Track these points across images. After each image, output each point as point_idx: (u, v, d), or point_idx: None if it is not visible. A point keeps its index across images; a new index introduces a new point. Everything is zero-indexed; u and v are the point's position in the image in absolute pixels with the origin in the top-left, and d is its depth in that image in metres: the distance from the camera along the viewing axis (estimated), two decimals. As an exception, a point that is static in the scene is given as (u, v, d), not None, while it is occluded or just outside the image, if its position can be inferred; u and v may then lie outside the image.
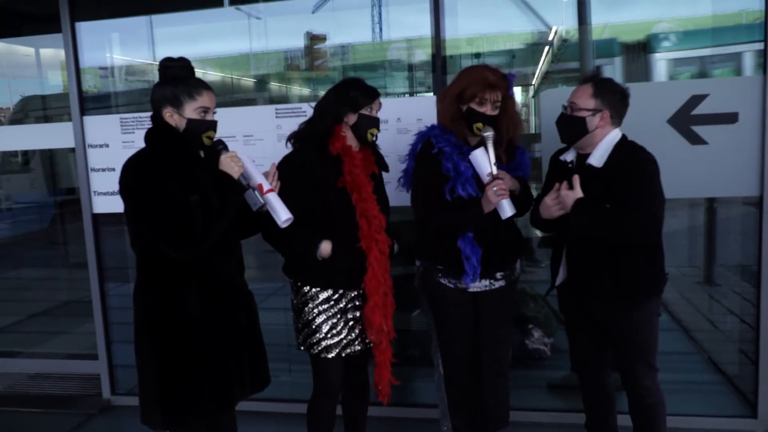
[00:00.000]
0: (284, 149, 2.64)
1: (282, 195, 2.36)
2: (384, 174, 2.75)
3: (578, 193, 2.36)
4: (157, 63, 2.29)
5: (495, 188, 2.42)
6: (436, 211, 2.59)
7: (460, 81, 2.54)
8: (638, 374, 2.54)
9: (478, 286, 2.67)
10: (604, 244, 2.40)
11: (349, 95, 2.50)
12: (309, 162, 2.51)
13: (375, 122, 2.56)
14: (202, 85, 2.25)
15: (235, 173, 2.22)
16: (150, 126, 2.29)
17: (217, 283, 2.31)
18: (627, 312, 2.47)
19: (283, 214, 2.29)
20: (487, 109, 2.50)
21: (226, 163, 2.22)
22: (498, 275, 2.68)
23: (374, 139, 2.59)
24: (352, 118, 2.52)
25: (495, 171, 2.45)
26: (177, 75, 2.22)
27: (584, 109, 2.41)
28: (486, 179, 2.48)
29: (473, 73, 2.52)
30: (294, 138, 2.60)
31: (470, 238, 2.56)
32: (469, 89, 2.49)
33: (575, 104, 2.44)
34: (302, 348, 2.63)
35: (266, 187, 2.28)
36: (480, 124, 2.51)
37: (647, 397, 2.56)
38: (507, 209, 2.48)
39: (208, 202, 2.16)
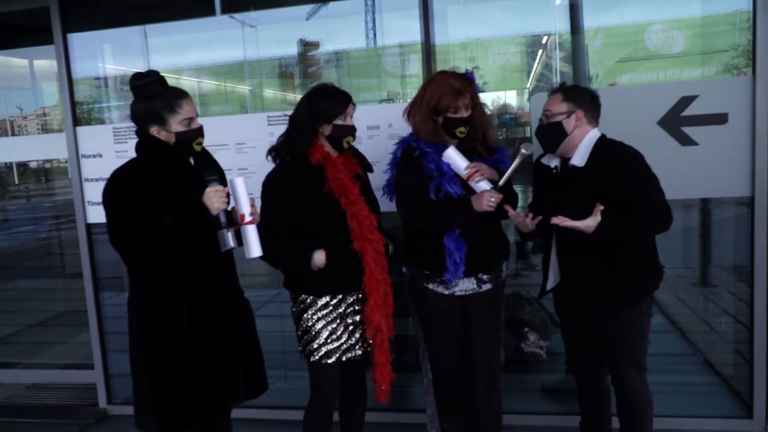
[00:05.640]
0: (276, 157, 2.64)
1: (270, 215, 2.39)
2: (372, 177, 2.76)
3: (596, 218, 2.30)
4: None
5: (492, 199, 2.46)
6: (422, 211, 2.60)
7: (428, 95, 2.58)
8: (627, 373, 2.56)
9: (465, 289, 2.68)
10: (597, 244, 2.40)
11: (321, 107, 2.50)
12: (292, 177, 2.52)
13: (350, 131, 2.56)
14: (180, 96, 2.26)
15: (214, 210, 2.20)
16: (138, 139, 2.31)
17: (208, 291, 2.33)
18: (619, 312, 2.49)
19: (254, 250, 2.27)
20: (462, 114, 2.56)
21: (208, 198, 2.20)
22: (484, 277, 2.69)
23: (350, 146, 2.60)
24: (327, 129, 2.52)
25: (498, 185, 2.50)
26: (152, 92, 2.23)
27: (558, 114, 2.48)
28: (464, 174, 2.53)
29: (440, 85, 2.56)
30: (274, 152, 2.61)
31: (456, 235, 2.59)
32: (443, 102, 2.53)
33: (549, 111, 2.51)
34: (303, 356, 2.63)
35: (247, 218, 2.26)
36: (461, 129, 2.57)
37: (635, 395, 2.58)
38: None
39: (177, 229, 2.17)
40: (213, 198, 2.20)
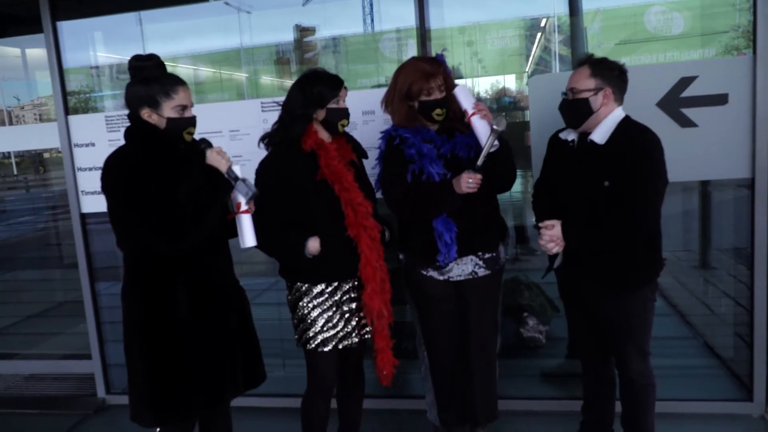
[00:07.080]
0: (270, 145, 2.61)
1: (263, 203, 2.36)
2: (367, 164, 2.74)
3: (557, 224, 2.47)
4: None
5: (470, 180, 2.43)
6: (407, 201, 2.57)
7: (400, 81, 2.57)
8: (630, 358, 2.54)
9: (460, 274, 2.65)
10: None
11: (314, 92, 2.47)
12: (285, 164, 2.50)
13: (344, 113, 2.55)
14: (177, 82, 2.23)
15: (223, 167, 2.20)
16: (129, 124, 2.27)
17: (206, 282, 2.31)
18: (622, 297, 2.47)
19: (248, 240, 2.27)
20: (436, 96, 2.54)
21: (213, 158, 2.21)
22: (481, 263, 2.66)
23: (345, 128, 2.58)
24: (321, 114, 2.51)
25: (477, 165, 2.45)
26: (150, 75, 2.20)
27: (585, 90, 2.41)
28: (471, 109, 2.49)
29: (410, 70, 2.55)
30: (267, 139, 2.58)
31: (444, 216, 2.56)
32: (414, 86, 2.52)
33: (575, 88, 2.43)
34: (299, 344, 2.62)
35: (243, 207, 2.26)
36: (438, 111, 2.55)
37: (637, 379, 2.57)
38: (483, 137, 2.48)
39: (195, 194, 2.15)
40: (218, 157, 2.21)
